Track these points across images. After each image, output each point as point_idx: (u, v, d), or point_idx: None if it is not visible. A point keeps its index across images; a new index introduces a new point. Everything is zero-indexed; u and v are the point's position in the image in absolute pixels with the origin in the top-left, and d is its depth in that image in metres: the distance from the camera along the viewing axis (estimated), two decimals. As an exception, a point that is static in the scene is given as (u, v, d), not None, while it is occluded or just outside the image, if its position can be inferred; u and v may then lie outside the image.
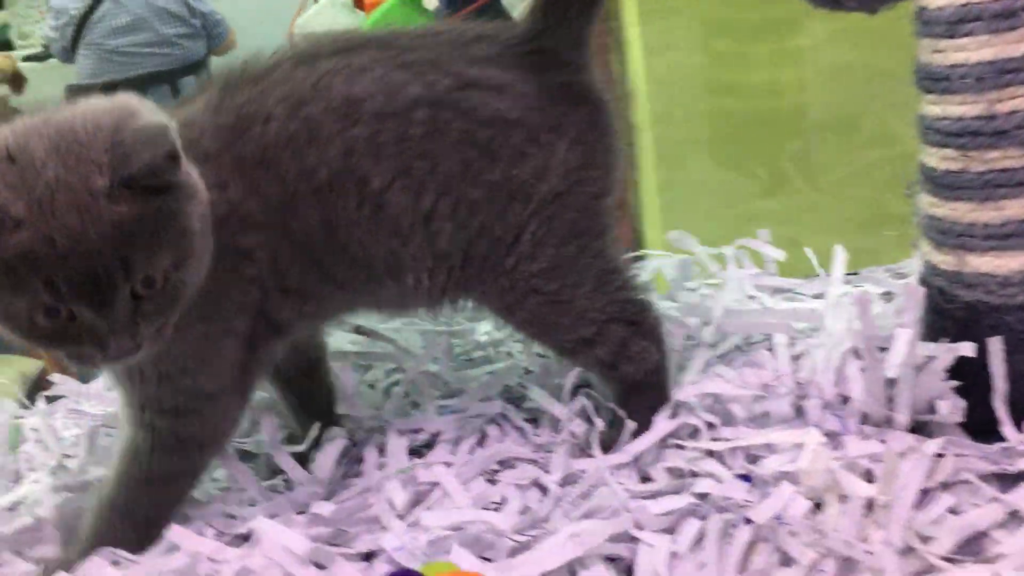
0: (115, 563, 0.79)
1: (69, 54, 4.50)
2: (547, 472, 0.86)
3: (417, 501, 0.85)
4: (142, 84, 4.53)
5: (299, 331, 0.88)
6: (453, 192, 0.81)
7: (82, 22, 4.49)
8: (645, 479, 0.84)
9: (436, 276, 0.84)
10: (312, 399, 0.97)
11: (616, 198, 0.88)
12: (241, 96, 0.80)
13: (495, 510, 0.82)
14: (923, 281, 0.86)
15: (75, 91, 4.51)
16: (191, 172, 0.74)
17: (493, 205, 0.81)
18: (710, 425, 0.87)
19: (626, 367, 0.87)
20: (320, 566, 0.76)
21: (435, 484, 0.86)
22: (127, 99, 0.75)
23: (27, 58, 5.02)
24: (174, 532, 0.79)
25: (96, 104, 0.73)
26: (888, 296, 1.07)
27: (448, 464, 0.88)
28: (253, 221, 0.79)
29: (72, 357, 0.73)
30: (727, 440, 0.85)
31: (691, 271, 1.17)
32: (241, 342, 0.81)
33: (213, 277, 0.76)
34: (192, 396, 0.80)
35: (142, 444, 0.80)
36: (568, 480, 0.84)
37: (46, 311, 0.70)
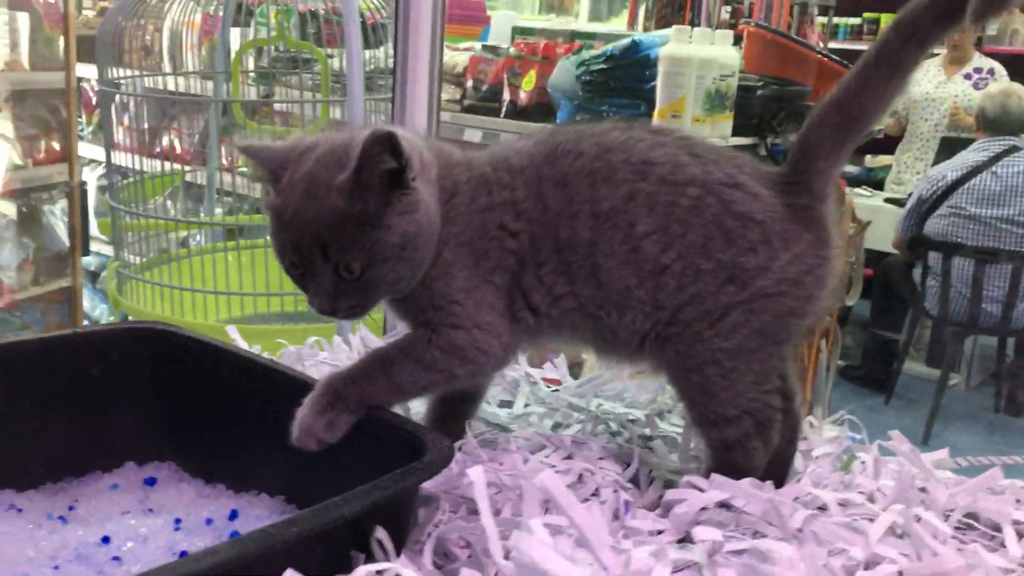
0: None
1: (922, 216, 4.68)
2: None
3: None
4: (986, 255, 4.48)
5: (544, 333, 1.06)
6: (688, 258, 1.00)
7: (954, 186, 4.58)
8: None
9: (646, 321, 1.02)
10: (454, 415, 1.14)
11: (814, 325, 1.05)
12: (564, 136, 1.04)
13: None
14: None
15: (917, 243, 4.64)
16: (423, 191, 0.96)
17: (714, 280, 1.00)
18: None
19: (736, 453, 1.03)
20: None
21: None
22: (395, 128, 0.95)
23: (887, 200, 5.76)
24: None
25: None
26: None
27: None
28: (528, 216, 1.01)
29: (308, 300, 0.96)
30: None
31: None
32: (501, 294, 1.02)
33: (483, 240, 1.00)
34: (462, 317, 1.00)
35: (423, 336, 1.01)
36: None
37: (290, 262, 0.95)
